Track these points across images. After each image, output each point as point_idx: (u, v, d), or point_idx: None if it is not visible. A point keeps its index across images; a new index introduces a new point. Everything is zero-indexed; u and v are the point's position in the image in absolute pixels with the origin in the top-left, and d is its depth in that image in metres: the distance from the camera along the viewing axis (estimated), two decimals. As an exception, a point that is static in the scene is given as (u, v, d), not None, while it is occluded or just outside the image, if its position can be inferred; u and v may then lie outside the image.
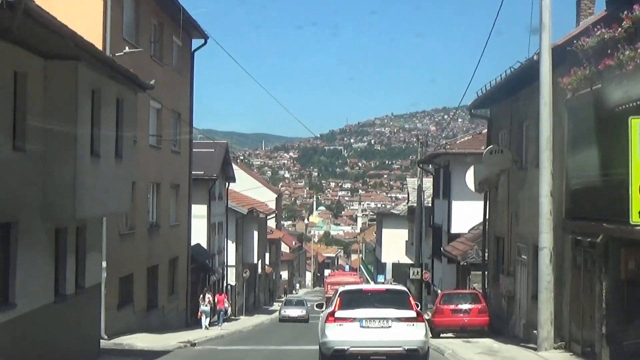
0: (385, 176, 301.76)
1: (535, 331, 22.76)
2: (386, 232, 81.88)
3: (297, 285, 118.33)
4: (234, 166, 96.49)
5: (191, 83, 38.76)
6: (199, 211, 43.01)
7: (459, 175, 39.99)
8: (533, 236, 24.10)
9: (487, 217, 31.49)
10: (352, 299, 17.88)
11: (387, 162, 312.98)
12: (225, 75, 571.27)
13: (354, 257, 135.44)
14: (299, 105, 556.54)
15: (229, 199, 52.90)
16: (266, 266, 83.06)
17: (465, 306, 27.80)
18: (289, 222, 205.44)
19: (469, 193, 39.51)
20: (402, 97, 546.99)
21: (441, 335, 28.57)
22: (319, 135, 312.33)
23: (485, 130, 41.38)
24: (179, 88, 36.61)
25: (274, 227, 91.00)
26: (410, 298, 18.23)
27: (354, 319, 17.21)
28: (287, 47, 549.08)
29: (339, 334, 17.24)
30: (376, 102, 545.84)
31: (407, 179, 70.27)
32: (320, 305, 21.04)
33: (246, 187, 79.60)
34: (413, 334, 17.13)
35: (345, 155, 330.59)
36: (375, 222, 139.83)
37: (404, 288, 20.17)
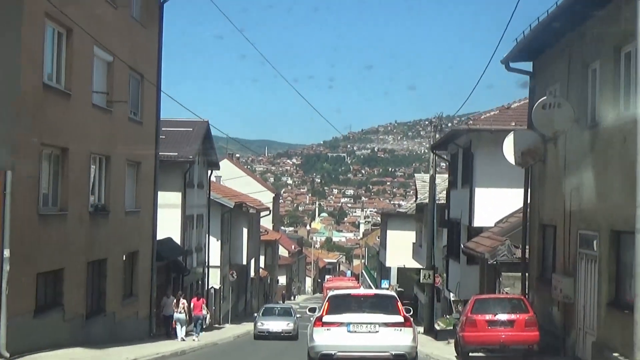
0: (388, 183, 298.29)
1: (615, 354, 15.27)
2: (391, 234, 74.18)
3: (295, 290, 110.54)
4: (230, 163, 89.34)
5: (159, 41, 31.21)
6: (171, 199, 35.47)
7: (483, 157, 32.40)
8: (611, 217, 16.51)
9: (530, 200, 23.83)
10: (341, 304, 17.54)
11: (390, 169, 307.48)
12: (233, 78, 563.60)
13: (356, 262, 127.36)
14: (302, 112, 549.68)
15: (212, 190, 45.31)
16: (260, 269, 75.49)
17: (506, 316, 19.91)
18: (291, 229, 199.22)
19: (496, 179, 32.00)
20: (406, 105, 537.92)
21: (470, 354, 20.92)
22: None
23: (516, 104, 33.99)
24: (142, 42, 29.01)
25: (271, 228, 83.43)
26: (399, 303, 17.87)
27: (341, 324, 17.00)
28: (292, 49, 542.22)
29: (326, 339, 16.98)
30: (380, 110, 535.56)
31: (415, 175, 62.82)
32: (313, 310, 20.13)
33: (241, 185, 72.33)
34: (400, 339, 16.89)
35: (349, 162, 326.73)
36: (378, 227, 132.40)
37: (393, 293, 19.88)
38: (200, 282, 42.24)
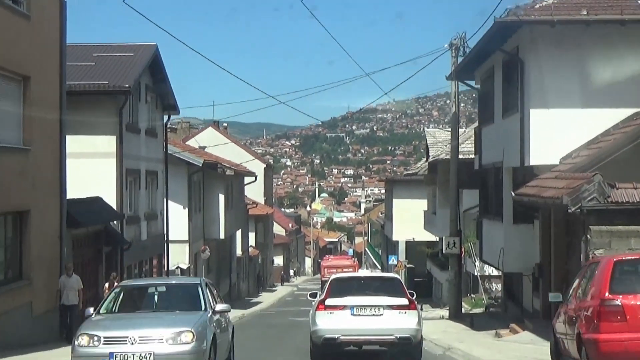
0: (388, 162, 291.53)
1: None
2: (398, 204, 63.70)
3: (292, 272, 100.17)
4: (215, 132, 78.70)
5: None
6: (101, 145, 24.96)
7: (541, 65, 21.66)
8: None
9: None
10: (343, 287, 16.69)
11: (389, 148, 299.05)
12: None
13: (358, 240, 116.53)
14: (299, 93, 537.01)
15: (177, 147, 34.66)
16: (251, 248, 64.98)
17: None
18: (291, 210, 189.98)
19: (560, 95, 21.51)
20: (404, 83, 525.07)
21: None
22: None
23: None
24: None
25: (263, 202, 72.87)
26: (403, 285, 17.19)
27: (344, 307, 16.06)
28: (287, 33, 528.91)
29: (329, 323, 16.04)
30: (377, 88, 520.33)
31: (426, 130, 52.15)
32: (314, 294, 18.18)
33: (228, 155, 61.71)
34: (405, 322, 15.94)
35: (348, 142, 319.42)
36: (380, 203, 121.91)
37: (396, 275, 19.86)
38: (158, 260, 31.67)
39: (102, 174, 25.01)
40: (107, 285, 23.12)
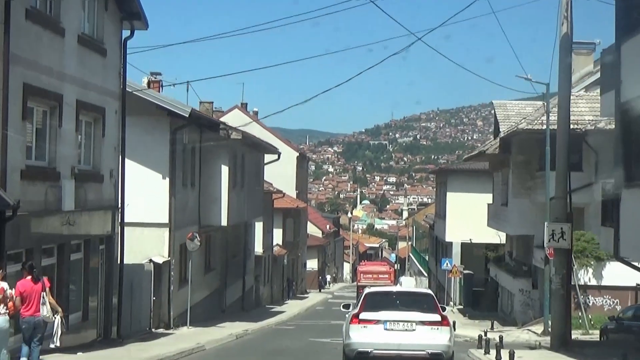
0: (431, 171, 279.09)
1: None
2: (452, 199, 51.75)
3: (328, 277, 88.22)
4: (241, 114, 67.18)
5: None
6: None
7: None
8: None
9: None
10: (377, 301, 16.46)
11: (433, 157, 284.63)
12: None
13: (401, 244, 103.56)
14: (343, 100, 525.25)
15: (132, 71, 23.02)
16: (276, 247, 53.34)
17: None
18: (332, 216, 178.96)
19: None
20: (449, 92, 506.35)
21: None
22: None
23: None
24: None
25: (294, 196, 61.22)
26: (436, 301, 16.64)
27: (378, 321, 15.81)
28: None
29: (362, 336, 15.80)
30: (420, 97, 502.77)
31: (493, 102, 40.08)
32: (347, 306, 17.99)
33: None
34: (437, 338, 15.65)
35: (390, 150, 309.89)
36: (425, 207, 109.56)
37: (429, 291, 18.57)
38: (104, 247, 19.95)
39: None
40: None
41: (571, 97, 22.14)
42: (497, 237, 44.53)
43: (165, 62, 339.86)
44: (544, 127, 28.44)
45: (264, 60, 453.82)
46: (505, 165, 36.57)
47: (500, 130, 37.46)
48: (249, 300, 41.23)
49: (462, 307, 46.60)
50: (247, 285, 40.34)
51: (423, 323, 15.64)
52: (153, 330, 24.13)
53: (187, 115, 24.26)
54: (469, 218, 49.73)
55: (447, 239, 51.55)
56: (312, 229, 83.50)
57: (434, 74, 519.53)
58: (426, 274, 69.84)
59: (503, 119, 38.39)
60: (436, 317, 15.75)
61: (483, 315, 38.99)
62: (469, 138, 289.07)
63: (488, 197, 45.24)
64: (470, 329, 29.02)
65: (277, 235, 54.38)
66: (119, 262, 20.40)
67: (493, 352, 17.98)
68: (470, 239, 50.17)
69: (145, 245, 23.82)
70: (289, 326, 32.36)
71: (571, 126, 21.83)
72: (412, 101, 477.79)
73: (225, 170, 29.13)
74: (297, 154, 64.32)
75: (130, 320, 22.56)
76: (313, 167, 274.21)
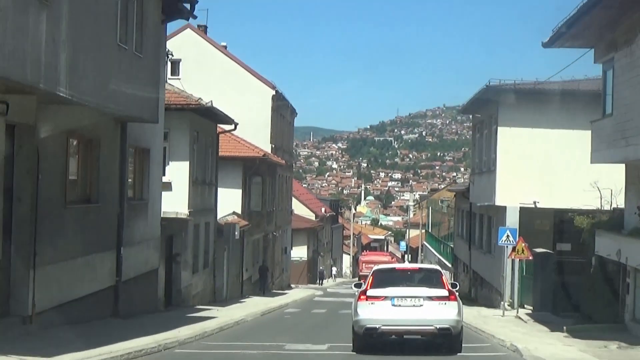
0: (437, 167, 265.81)
1: None
2: (507, 138, 31.24)
3: (334, 270, 67.91)
4: (195, 35, 46.48)
5: None
6: None
7: None
8: None
9: None
10: (385, 278, 16.01)
11: (438, 153, 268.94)
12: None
13: (413, 233, 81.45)
14: (348, 96, 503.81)
15: None
16: (233, 215, 32.94)
17: None
18: (331, 199, 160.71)
19: None
20: (454, 89, 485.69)
21: None
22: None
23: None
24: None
25: (269, 150, 40.74)
26: (443, 276, 16.17)
27: (385, 298, 15.43)
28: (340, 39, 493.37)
29: (370, 313, 15.41)
30: (426, 94, 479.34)
31: None
32: (358, 285, 17.11)
33: (219, 76, 30.05)
34: (445, 313, 15.29)
35: (396, 146, 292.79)
36: (438, 190, 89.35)
37: (437, 267, 18.20)
38: None
39: None
40: None
41: None
42: (587, 197, 24.45)
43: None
44: None
45: None
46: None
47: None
48: (146, 295, 20.61)
49: (531, 310, 26.23)
50: (133, 267, 19.68)
51: (430, 298, 15.33)
52: None
53: None
54: (535, 169, 29.56)
55: (498, 202, 30.76)
56: (302, 211, 63.13)
57: (441, 70, 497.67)
58: (449, 264, 49.27)
59: None
60: (443, 292, 15.44)
61: (588, 330, 19.14)
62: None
63: (566, 135, 25.25)
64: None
65: (235, 198, 34.00)
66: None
67: None
68: (535, 202, 29.67)
69: None
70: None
71: None
72: (418, 98, 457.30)
73: None
74: (273, 92, 43.52)
75: None
76: (317, 164, 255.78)
